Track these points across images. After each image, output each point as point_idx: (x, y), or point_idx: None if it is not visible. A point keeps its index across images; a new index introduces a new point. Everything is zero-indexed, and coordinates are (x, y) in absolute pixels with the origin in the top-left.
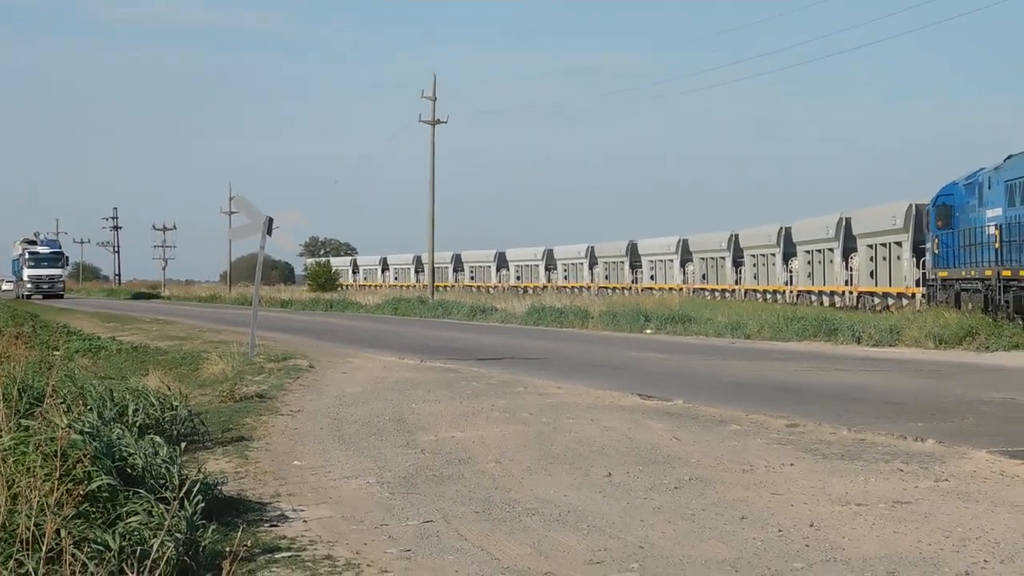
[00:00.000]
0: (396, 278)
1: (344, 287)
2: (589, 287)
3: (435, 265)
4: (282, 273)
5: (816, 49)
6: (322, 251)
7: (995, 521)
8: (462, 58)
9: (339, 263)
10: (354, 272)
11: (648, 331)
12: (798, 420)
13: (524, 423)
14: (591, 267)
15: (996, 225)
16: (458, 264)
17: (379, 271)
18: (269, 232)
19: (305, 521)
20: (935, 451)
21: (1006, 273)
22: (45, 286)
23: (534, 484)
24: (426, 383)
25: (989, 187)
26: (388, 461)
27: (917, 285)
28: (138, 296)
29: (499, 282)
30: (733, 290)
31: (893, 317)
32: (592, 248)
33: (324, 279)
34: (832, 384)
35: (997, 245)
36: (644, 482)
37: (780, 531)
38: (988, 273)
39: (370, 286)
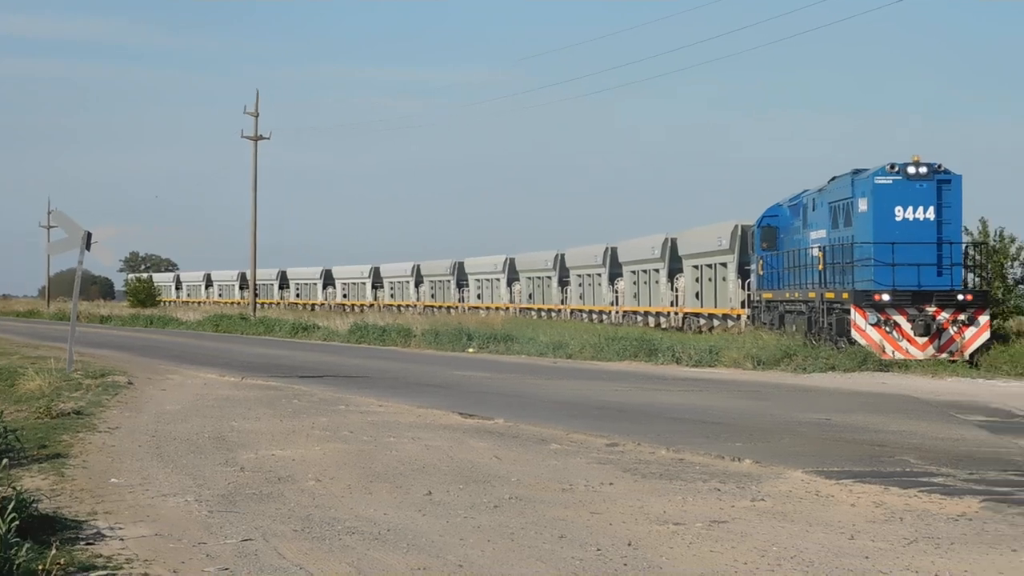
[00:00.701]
0: (220, 295)
1: (166, 303)
2: (415, 305)
3: (261, 282)
4: (102, 288)
5: (642, 71)
6: (143, 267)
7: (809, 540)
8: (296, 73)
9: (162, 279)
10: (177, 288)
11: (471, 350)
12: (618, 439)
13: (345, 441)
14: (417, 285)
15: (820, 247)
16: (284, 281)
17: (203, 287)
18: (88, 247)
19: (122, 539)
20: (752, 471)
21: (829, 295)
22: None
23: (355, 502)
24: (247, 401)
25: (813, 209)
26: (207, 479)
27: (742, 306)
28: None
29: (325, 300)
30: (559, 310)
31: (713, 338)
32: (418, 266)
33: (144, 295)
34: (652, 404)
35: (820, 267)
36: (465, 501)
37: (599, 550)
38: (811, 295)
39: (193, 302)
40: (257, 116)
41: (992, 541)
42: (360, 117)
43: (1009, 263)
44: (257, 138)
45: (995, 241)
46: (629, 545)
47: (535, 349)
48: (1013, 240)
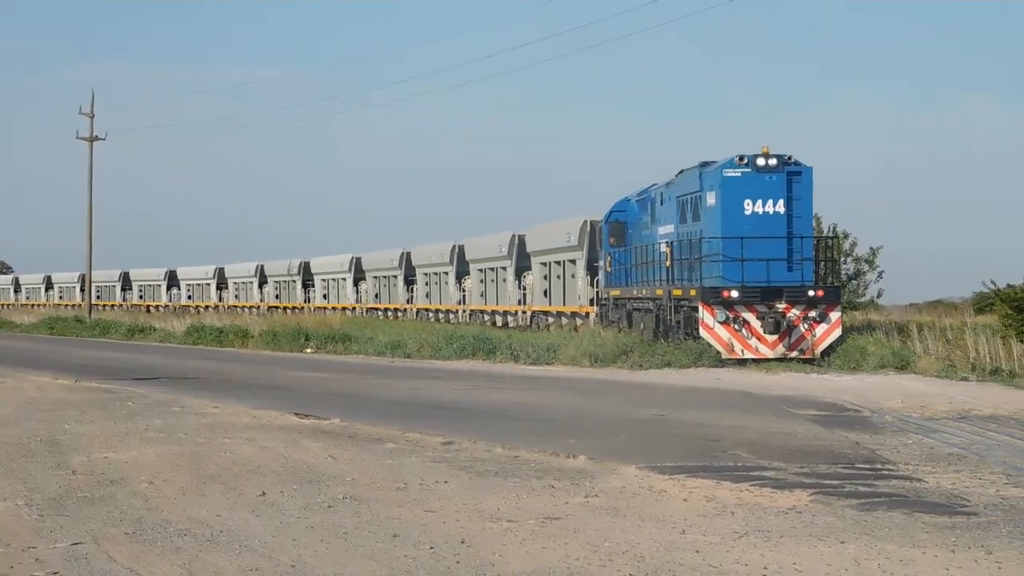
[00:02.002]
0: (61, 297)
1: (3, 306)
2: (259, 307)
3: (102, 283)
4: None
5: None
6: None
7: (642, 535)
8: (125, 72)
9: (1, 281)
10: (16, 291)
11: (308, 350)
12: (454, 438)
13: (180, 443)
14: (260, 286)
15: (668, 242)
16: (126, 282)
17: (43, 290)
18: None
19: None
20: (586, 467)
21: (676, 292)
22: None
23: (187, 504)
24: (80, 403)
25: (661, 203)
26: (38, 483)
27: (591, 304)
28: None
29: (170, 301)
30: (405, 309)
31: (551, 336)
32: (262, 266)
33: None
34: (489, 402)
35: (668, 263)
36: (299, 501)
37: (432, 548)
38: (659, 292)
39: (32, 305)
40: (92, 117)
41: (821, 533)
42: (197, 116)
43: (842, 259)
44: (92, 139)
45: (830, 237)
46: (462, 543)
47: (373, 349)
48: (846, 236)
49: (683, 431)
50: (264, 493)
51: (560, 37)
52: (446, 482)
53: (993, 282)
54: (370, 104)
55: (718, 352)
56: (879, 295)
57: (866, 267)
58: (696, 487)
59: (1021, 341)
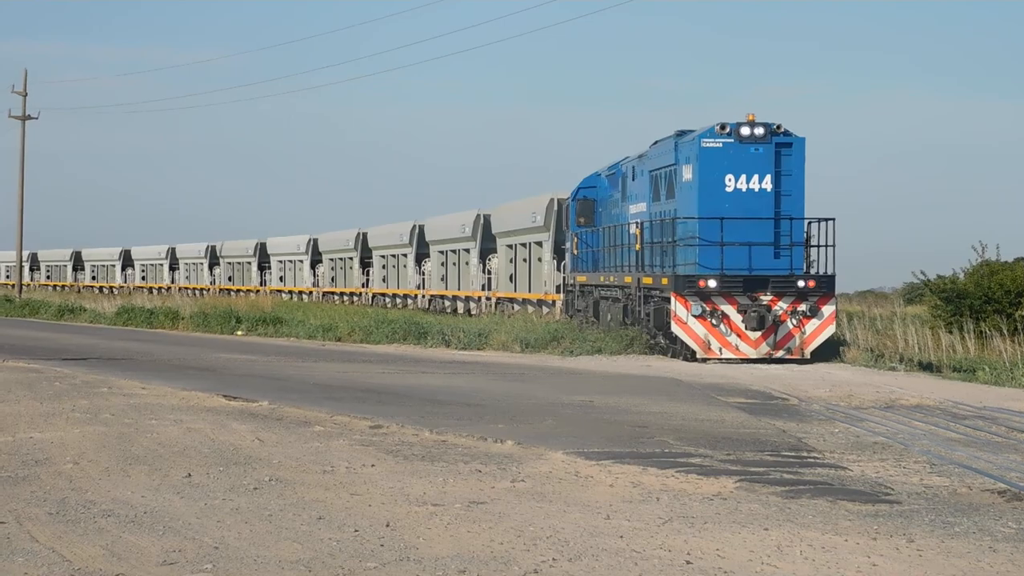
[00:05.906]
0: (8, 276)
1: None
2: (209, 288)
3: (53, 263)
4: None
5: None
6: None
7: (566, 520)
8: (57, 51)
9: None
10: None
11: (239, 332)
12: (382, 422)
13: (106, 424)
14: (211, 267)
15: (638, 223)
16: (78, 262)
17: None
18: None
19: None
20: (514, 452)
21: (647, 280)
22: None
23: (112, 485)
24: (6, 383)
25: (633, 178)
26: None
27: (558, 291)
28: None
29: (125, 282)
30: (360, 294)
31: (483, 321)
32: (213, 247)
33: None
34: (418, 387)
35: (638, 246)
36: (224, 483)
37: (356, 531)
38: (628, 280)
39: None
40: (25, 96)
41: (745, 520)
42: (158, 94)
43: None
44: (25, 118)
45: (825, 219)
46: (387, 526)
47: (304, 332)
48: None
49: (611, 417)
50: (190, 475)
51: (531, 12)
52: (373, 465)
53: (923, 272)
54: (327, 84)
55: (693, 351)
56: None
57: None
58: (622, 473)
59: (949, 332)
